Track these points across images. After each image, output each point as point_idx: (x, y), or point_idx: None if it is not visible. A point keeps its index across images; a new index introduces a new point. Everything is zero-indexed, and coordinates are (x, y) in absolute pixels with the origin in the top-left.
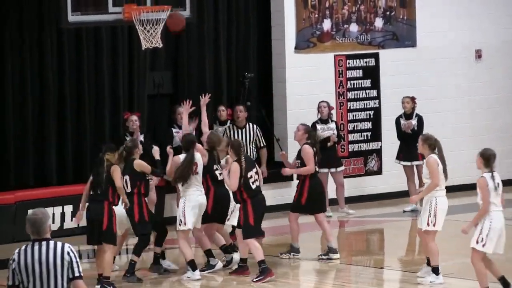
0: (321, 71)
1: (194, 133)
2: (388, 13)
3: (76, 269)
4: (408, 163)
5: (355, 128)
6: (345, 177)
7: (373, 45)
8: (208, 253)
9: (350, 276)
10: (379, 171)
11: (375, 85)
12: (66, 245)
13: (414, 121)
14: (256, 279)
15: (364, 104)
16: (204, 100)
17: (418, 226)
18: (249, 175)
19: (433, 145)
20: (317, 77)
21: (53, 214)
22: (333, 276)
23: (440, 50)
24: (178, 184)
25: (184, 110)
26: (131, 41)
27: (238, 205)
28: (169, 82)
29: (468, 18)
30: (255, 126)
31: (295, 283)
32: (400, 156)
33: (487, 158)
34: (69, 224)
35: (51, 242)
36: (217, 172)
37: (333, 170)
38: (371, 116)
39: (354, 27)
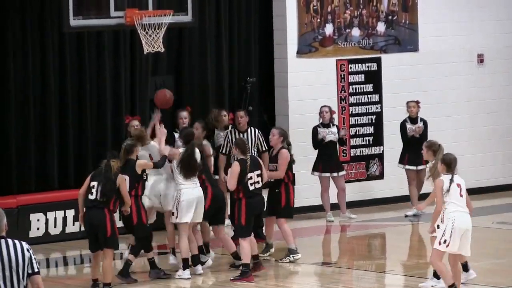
0: (323, 76)
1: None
2: (390, 17)
3: (35, 265)
4: (414, 167)
5: (357, 133)
6: (347, 181)
7: (375, 49)
8: (200, 251)
9: (351, 280)
10: (381, 176)
11: (377, 89)
12: (23, 243)
13: (421, 125)
14: (233, 278)
15: (366, 108)
16: (156, 117)
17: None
18: (248, 176)
19: (437, 151)
20: (319, 82)
21: (55, 219)
22: (334, 281)
23: (442, 54)
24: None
25: (156, 119)
26: (133, 45)
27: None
28: (171, 87)
29: (470, 23)
30: (256, 130)
31: (295, 287)
32: (405, 160)
33: (448, 163)
34: (70, 228)
35: (9, 240)
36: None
37: (334, 174)
38: (373, 121)
39: (356, 32)
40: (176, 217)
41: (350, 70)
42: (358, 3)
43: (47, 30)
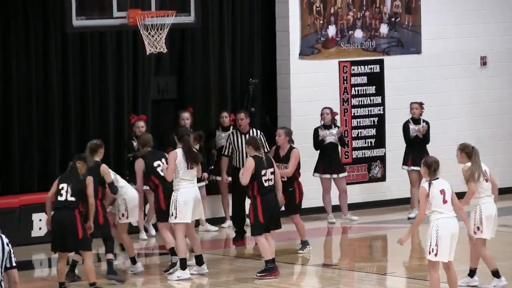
0: (326, 78)
1: None
2: (393, 19)
3: (13, 259)
4: (418, 168)
5: (359, 135)
6: (348, 183)
7: (378, 51)
8: (172, 252)
9: (353, 282)
10: (383, 178)
11: (380, 91)
12: (3, 236)
13: (425, 125)
14: (260, 274)
15: (368, 110)
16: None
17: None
18: (263, 173)
19: (470, 153)
20: (321, 84)
21: None
22: (335, 283)
23: (445, 57)
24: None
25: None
26: (135, 46)
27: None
28: (173, 87)
29: (473, 25)
30: (258, 131)
31: None
32: (408, 162)
33: (429, 166)
34: None
35: None
36: (159, 169)
37: (335, 176)
38: (375, 123)
39: (359, 33)
40: (175, 217)
41: (352, 72)
42: (361, 5)
43: (50, 30)
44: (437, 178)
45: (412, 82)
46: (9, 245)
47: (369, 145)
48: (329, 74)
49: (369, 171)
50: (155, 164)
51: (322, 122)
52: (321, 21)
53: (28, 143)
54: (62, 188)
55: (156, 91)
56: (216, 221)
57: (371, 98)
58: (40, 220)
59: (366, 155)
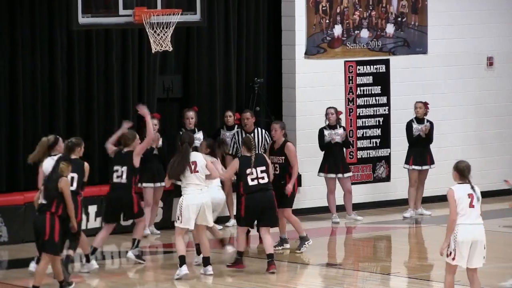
0: (331, 77)
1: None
2: (399, 19)
3: None
4: (419, 168)
5: (364, 135)
6: (353, 183)
7: (384, 51)
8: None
9: (356, 282)
10: (387, 178)
11: (385, 91)
12: None
13: (428, 124)
14: (229, 264)
15: (373, 110)
16: (142, 108)
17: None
18: (248, 172)
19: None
20: (327, 83)
21: None
22: (339, 282)
23: (452, 57)
24: (173, 180)
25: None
26: (141, 44)
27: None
28: (179, 86)
29: (480, 25)
30: (263, 130)
31: None
32: (411, 161)
33: (459, 171)
34: None
35: None
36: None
37: (340, 175)
38: (381, 123)
39: (365, 33)
40: (181, 222)
41: (358, 71)
42: (367, 5)
43: (56, 28)
44: (467, 182)
45: (418, 82)
46: None
47: (374, 145)
48: (335, 73)
49: (374, 171)
50: None
51: (327, 122)
52: (327, 21)
53: (33, 141)
54: (40, 190)
55: (161, 89)
56: (220, 220)
57: (377, 98)
58: None
59: (371, 155)
